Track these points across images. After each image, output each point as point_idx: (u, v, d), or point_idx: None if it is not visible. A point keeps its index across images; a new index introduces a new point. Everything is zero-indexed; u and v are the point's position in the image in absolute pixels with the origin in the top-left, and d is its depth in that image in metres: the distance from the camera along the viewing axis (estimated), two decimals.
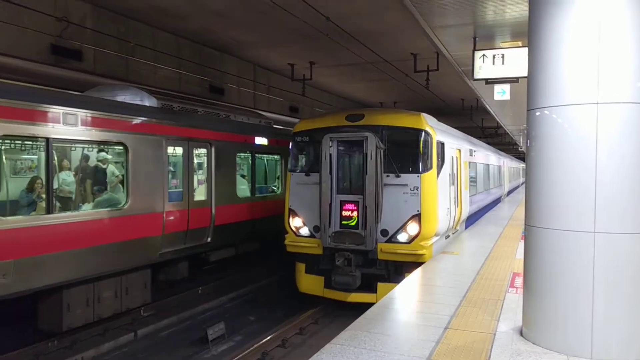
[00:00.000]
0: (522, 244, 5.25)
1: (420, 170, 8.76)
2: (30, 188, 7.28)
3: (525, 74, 5.02)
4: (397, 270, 8.85)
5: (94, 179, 8.55)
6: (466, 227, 13.41)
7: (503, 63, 8.19)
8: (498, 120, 24.56)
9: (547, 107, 4.53)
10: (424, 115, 9.34)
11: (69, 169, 8.14)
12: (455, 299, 6.34)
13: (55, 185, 7.44)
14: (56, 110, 7.08)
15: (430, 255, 8.88)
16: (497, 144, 45.39)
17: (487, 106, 18.36)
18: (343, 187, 9.13)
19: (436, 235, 9.08)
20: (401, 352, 4.59)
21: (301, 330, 8.75)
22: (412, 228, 8.70)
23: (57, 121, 7.08)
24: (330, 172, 8.92)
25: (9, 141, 7.33)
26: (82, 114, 7.47)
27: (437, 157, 9.10)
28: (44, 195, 7.19)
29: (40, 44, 11.05)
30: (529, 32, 4.80)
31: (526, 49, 5.03)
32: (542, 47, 4.58)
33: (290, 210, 9.62)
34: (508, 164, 29.61)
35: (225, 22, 12.86)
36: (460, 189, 11.38)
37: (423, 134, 8.88)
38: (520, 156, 46.72)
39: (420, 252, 8.64)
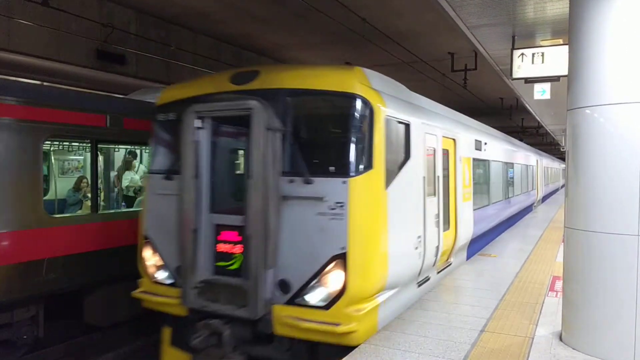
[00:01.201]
0: (562, 246, 5.13)
1: (350, 172, 4.81)
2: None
3: (566, 73, 4.91)
4: (311, 354, 5.08)
5: None
6: (472, 254, 9.31)
7: (543, 61, 8.00)
8: (539, 119, 23.92)
9: (589, 106, 4.42)
10: (364, 71, 5.33)
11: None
12: (492, 302, 6.24)
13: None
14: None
15: (366, 332, 4.94)
16: (538, 144, 44.26)
17: (527, 105, 17.92)
18: (220, 202, 5.46)
19: (384, 290, 5.20)
20: (436, 354, 4.57)
21: None
22: (333, 280, 4.76)
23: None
24: (197, 175, 5.25)
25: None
26: None
27: (391, 148, 5.32)
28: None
29: (87, 49, 11.53)
30: (570, 29, 4.69)
31: (567, 46, 4.92)
32: (584, 44, 4.47)
33: (145, 239, 5.77)
34: (544, 164, 25.47)
35: (265, 26, 13.08)
36: (454, 200, 7.72)
37: (356, 103, 4.92)
38: (563, 156, 45.28)
39: (346, 327, 4.67)
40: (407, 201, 5.68)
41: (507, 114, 24.90)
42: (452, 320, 5.49)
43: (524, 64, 8.12)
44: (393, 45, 13.20)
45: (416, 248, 5.86)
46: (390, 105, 5.32)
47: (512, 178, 14.57)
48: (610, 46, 4.29)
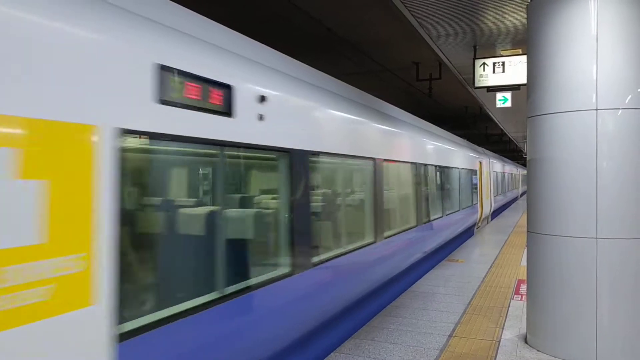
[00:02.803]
0: (526, 250, 5.25)
1: None
2: None
3: (526, 81, 5.06)
4: None
5: None
6: None
7: (503, 71, 8.23)
8: (502, 127, 24.54)
9: (547, 114, 4.56)
10: None
11: None
12: (460, 307, 6.33)
13: None
14: None
15: None
16: (502, 152, 45.37)
17: (490, 113, 18.36)
18: None
19: None
20: None
21: None
22: None
23: None
24: None
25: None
26: None
27: None
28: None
29: None
30: (528, 40, 4.85)
31: (525, 56, 5.08)
32: (541, 55, 4.63)
33: None
34: (494, 168, 20.18)
35: None
36: None
37: None
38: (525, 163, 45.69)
39: None
40: None
41: (471, 122, 25.46)
42: (420, 326, 5.54)
43: (486, 73, 8.33)
44: (359, 55, 13.33)
45: None
46: None
47: (421, 192, 8.55)
48: (566, 57, 4.45)
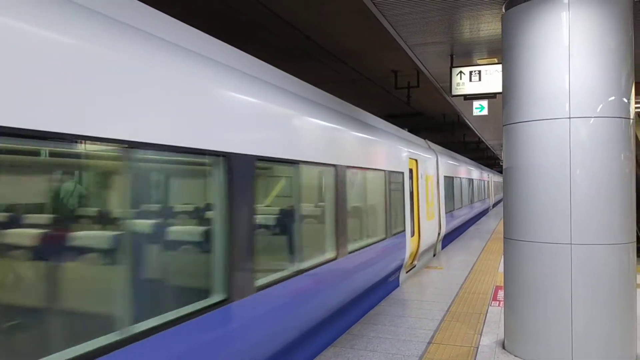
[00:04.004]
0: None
1: None
2: None
3: (501, 90, 5.14)
4: None
5: None
6: None
7: (480, 79, 8.35)
8: (479, 135, 24.91)
9: (522, 122, 4.64)
10: None
11: None
12: (439, 314, 6.36)
13: None
14: None
15: None
16: (480, 159, 45.98)
17: (467, 121, 18.62)
18: None
19: None
20: None
21: None
22: None
23: None
24: None
25: None
26: None
27: None
28: None
29: None
30: (503, 50, 4.93)
31: (501, 65, 5.17)
32: (515, 64, 4.71)
33: None
34: (440, 170, 13.15)
35: None
36: None
37: None
38: (501, 169, 45.55)
39: None
40: None
41: (449, 129, 25.78)
42: (400, 334, 5.54)
43: (462, 82, 8.45)
44: (337, 63, 13.41)
45: None
46: None
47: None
48: (539, 66, 4.54)
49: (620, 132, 4.36)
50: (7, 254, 2.25)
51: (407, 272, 9.06)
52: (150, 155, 2.93)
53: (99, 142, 2.54)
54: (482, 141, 29.52)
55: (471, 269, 9.55)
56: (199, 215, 3.50)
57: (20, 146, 2.24)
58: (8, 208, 2.27)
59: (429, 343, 5.21)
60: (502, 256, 10.40)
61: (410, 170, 9.60)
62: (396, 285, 8.34)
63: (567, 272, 4.35)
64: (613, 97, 4.35)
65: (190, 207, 3.47)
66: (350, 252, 5.95)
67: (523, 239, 4.61)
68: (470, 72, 8.31)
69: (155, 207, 3.11)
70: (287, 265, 4.51)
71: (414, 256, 9.52)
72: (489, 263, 10.20)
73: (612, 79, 4.36)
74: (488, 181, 27.46)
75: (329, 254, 5.40)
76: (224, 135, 3.52)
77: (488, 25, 6.93)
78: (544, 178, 4.49)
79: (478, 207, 22.71)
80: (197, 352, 3.15)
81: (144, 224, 2.93)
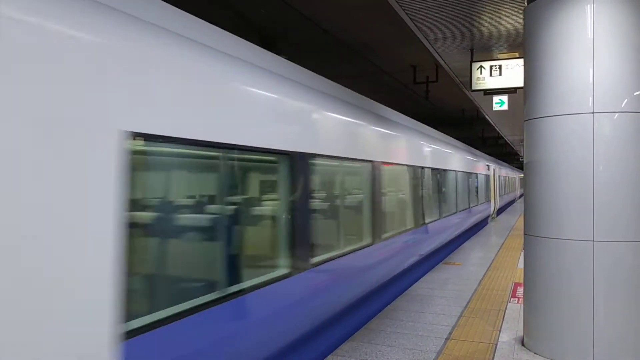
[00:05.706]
0: (523, 253, 5.27)
1: None
2: None
3: (522, 85, 5.08)
4: None
5: None
6: None
7: (500, 74, 8.26)
8: (498, 130, 24.61)
9: (543, 117, 4.58)
10: None
11: None
12: (457, 309, 6.33)
13: None
14: None
15: None
16: (498, 154, 45.48)
17: (486, 116, 18.42)
18: None
19: None
20: None
21: None
22: None
23: None
24: None
25: None
26: None
27: None
28: None
29: None
30: (524, 44, 4.87)
31: (522, 59, 5.10)
32: (538, 58, 4.65)
33: None
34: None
35: None
36: None
37: None
38: (522, 166, 45.50)
39: None
40: None
41: (468, 124, 25.53)
42: (418, 329, 5.53)
43: (483, 76, 8.36)
44: (356, 57, 13.36)
45: None
46: None
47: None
48: (562, 60, 4.47)
49: None
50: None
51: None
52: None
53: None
54: (501, 136, 29.18)
55: (490, 265, 9.48)
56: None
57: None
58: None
59: (447, 339, 5.20)
60: (521, 253, 10.31)
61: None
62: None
63: (589, 269, 4.29)
64: (638, 92, 4.27)
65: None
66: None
67: (544, 235, 4.56)
68: (491, 67, 8.23)
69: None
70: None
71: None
72: (507, 259, 10.11)
73: (637, 73, 4.27)
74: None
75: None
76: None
77: (509, 19, 6.84)
78: (566, 174, 4.43)
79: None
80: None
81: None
